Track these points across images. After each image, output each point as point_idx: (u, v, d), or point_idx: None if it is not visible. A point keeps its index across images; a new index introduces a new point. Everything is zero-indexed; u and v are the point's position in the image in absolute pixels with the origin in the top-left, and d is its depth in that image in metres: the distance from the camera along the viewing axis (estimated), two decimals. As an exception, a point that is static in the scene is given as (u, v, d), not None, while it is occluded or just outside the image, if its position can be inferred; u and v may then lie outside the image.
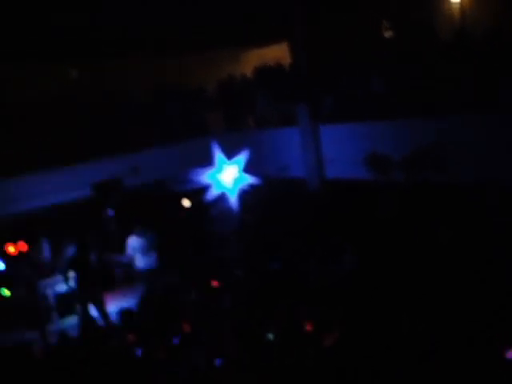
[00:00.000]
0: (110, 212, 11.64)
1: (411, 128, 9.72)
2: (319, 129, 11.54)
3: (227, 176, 11.83)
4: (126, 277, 11.44)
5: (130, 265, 11.25)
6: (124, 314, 8.13)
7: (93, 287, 9.38)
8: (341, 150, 11.08)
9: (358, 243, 9.17)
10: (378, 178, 9.99)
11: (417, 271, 7.58)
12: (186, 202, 12.56)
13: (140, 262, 10.21)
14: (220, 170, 11.84)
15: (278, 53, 14.27)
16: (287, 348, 6.22)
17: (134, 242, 10.12)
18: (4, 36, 9.51)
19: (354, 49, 11.29)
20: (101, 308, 9.37)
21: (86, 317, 8.91)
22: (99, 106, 12.65)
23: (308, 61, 11.75)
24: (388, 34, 12.53)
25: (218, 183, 11.80)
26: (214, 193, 11.74)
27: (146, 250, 10.11)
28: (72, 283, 9.52)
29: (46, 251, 10.29)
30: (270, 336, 6.61)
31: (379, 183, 9.96)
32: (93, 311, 9.35)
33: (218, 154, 11.70)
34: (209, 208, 12.24)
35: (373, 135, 10.28)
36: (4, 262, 9.99)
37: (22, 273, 10.05)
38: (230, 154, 11.80)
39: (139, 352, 6.74)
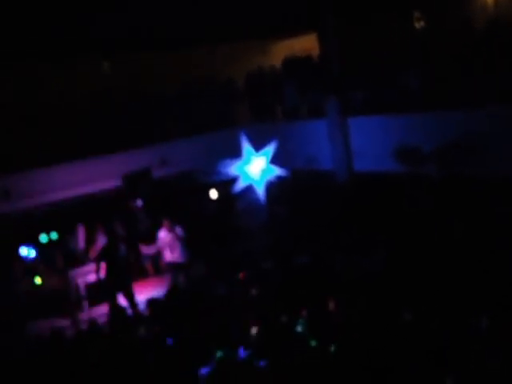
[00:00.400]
0: (139, 203, 11.77)
1: (442, 120, 9.56)
2: (348, 121, 11.44)
3: (255, 168, 11.84)
4: (154, 268, 11.58)
5: (158, 256, 11.41)
6: (152, 304, 8.24)
7: (122, 277, 9.52)
8: (370, 143, 10.96)
9: (387, 237, 9.10)
10: (408, 171, 9.87)
11: (446, 266, 7.48)
12: (214, 194, 12.62)
13: (168, 254, 10.30)
14: (248, 161, 11.86)
15: (306, 44, 14.17)
16: (313, 339, 6.21)
17: (163, 234, 10.22)
18: (38, 32, 9.65)
19: (384, 40, 11.14)
20: (130, 297, 9.51)
21: (115, 306, 9.05)
22: (130, 99, 12.78)
23: (337, 52, 11.64)
24: (419, 24, 12.32)
25: (246, 175, 11.83)
26: (241, 184, 11.78)
27: (174, 243, 10.19)
28: (103, 273, 9.68)
29: (80, 240, 10.47)
30: (299, 328, 6.62)
31: (409, 176, 9.84)
32: (122, 300, 9.50)
33: (246, 146, 11.72)
34: (236, 200, 12.28)
35: (402, 127, 10.14)
36: (37, 250, 10.21)
37: (54, 261, 10.28)
38: (257, 145, 11.80)
39: (170, 341, 6.82)
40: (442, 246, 8.19)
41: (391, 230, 9.37)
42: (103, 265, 9.43)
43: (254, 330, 6.62)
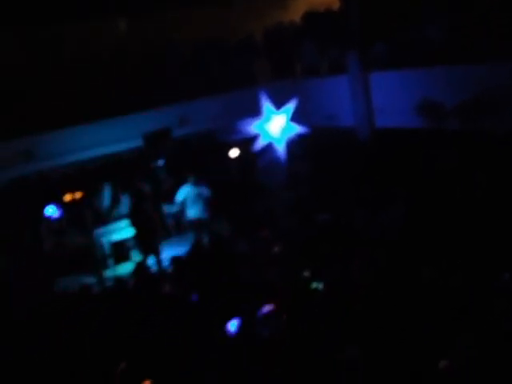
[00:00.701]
0: (160, 162, 11.83)
1: (465, 75, 9.34)
2: (369, 76, 11.23)
3: (275, 126, 11.78)
4: (176, 226, 11.72)
5: (180, 214, 11.53)
6: (175, 261, 8.37)
7: (149, 235, 9.69)
8: (391, 99, 10.80)
9: (408, 192, 9.03)
10: (430, 127, 9.72)
11: (468, 222, 7.43)
12: (234, 153, 12.62)
13: (191, 211, 10.41)
14: (268, 119, 11.79)
15: (326, -2, 13.82)
16: (336, 298, 6.26)
17: (185, 191, 10.30)
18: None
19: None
20: (156, 255, 9.70)
21: (142, 263, 9.22)
22: (148, 58, 12.70)
23: (358, 4, 11.34)
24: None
25: (266, 133, 11.78)
26: (261, 143, 11.74)
27: (196, 200, 10.28)
28: (131, 231, 9.88)
29: (106, 199, 10.61)
30: (319, 286, 6.65)
31: (431, 132, 9.69)
32: (148, 258, 9.70)
33: (266, 104, 11.63)
34: (257, 158, 12.27)
35: (425, 83, 9.94)
36: (62, 210, 10.39)
37: (80, 220, 10.47)
38: (277, 103, 11.70)
39: (195, 297, 6.94)
40: (464, 201, 8.11)
41: (412, 186, 9.30)
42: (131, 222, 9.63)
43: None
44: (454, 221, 7.64)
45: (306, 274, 7.04)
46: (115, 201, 10.55)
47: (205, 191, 10.38)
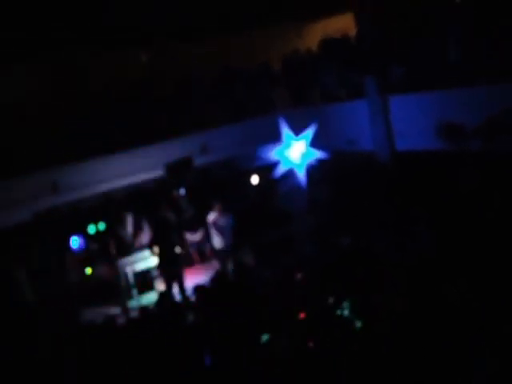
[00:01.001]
0: (182, 191, 11.95)
1: (486, 95, 9.28)
2: (388, 100, 11.25)
3: (295, 152, 11.83)
4: (199, 255, 11.77)
5: (203, 243, 11.58)
6: (198, 290, 8.38)
7: (174, 264, 9.74)
8: (411, 121, 10.77)
9: (432, 216, 8.94)
10: (452, 148, 9.65)
11: (491, 245, 7.31)
12: (255, 180, 12.68)
13: (216, 240, 10.44)
14: (287, 145, 11.85)
15: (342, 24, 13.98)
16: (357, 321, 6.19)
17: (214, 218, 10.37)
18: (77, 24, 9.87)
19: (424, 15, 10.85)
20: (180, 284, 9.72)
21: (166, 293, 9.25)
22: (169, 89, 12.94)
23: (374, 30, 11.43)
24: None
25: (286, 159, 11.83)
26: (282, 169, 11.79)
27: (222, 229, 10.33)
28: (155, 260, 9.93)
29: (129, 228, 10.73)
30: (345, 312, 6.61)
31: (453, 153, 9.62)
32: (172, 287, 9.72)
33: (285, 130, 11.70)
34: (277, 184, 12.30)
35: (444, 104, 9.91)
36: (86, 241, 10.53)
37: (104, 251, 10.58)
38: (297, 129, 11.77)
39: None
40: (487, 223, 7.99)
41: (434, 209, 9.20)
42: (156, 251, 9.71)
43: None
44: (477, 242, 7.53)
45: (330, 300, 7.00)
46: (136, 231, 10.65)
47: (229, 220, 10.43)
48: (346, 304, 6.61)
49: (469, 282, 6.26)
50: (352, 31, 12.81)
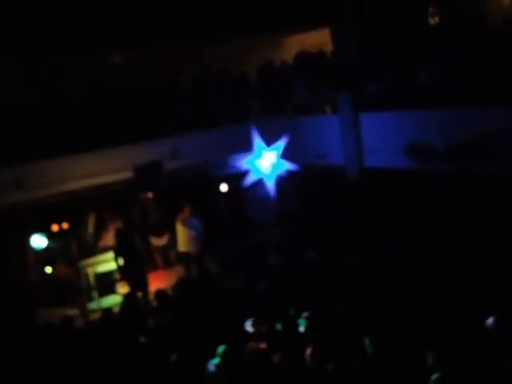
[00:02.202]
0: (150, 194, 11.83)
1: (455, 118, 9.51)
2: (360, 117, 11.41)
3: (265, 162, 11.87)
4: (164, 259, 11.65)
5: (168, 247, 11.47)
6: (160, 295, 8.29)
7: (138, 268, 9.62)
8: (382, 139, 10.94)
9: (397, 233, 9.08)
10: (420, 168, 9.83)
11: (457, 264, 7.47)
12: (224, 187, 12.66)
13: (183, 244, 10.37)
14: (258, 155, 11.88)
15: (319, 39, 14.13)
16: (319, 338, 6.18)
17: (181, 222, 10.31)
18: (50, 24, 9.73)
19: (398, 36, 11.08)
20: (144, 288, 9.59)
21: (130, 295, 9.10)
22: (141, 92, 12.83)
23: (350, 47, 11.59)
24: (434, 20, 12.23)
25: (256, 169, 11.86)
26: (251, 178, 11.81)
27: (191, 233, 10.28)
28: (119, 263, 9.78)
29: (91, 229, 10.55)
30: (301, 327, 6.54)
31: (421, 173, 9.81)
32: (135, 291, 9.59)
33: (257, 140, 11.74)
34: (246, 194, 12.31)
35: (415, 124, 10.10)
36: (48, 240, 10.30)
37: (65, 251, 10.37)
38: (268, 139, 11.82)
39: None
40: (453, 242, 8.17)
41: (401, 227, 9.36)
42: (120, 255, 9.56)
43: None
44: (442, 264, 7.69)
45: (292, 311, 7.00)
46: (100, 232, 10.49)
47: (196, 225, 10.37)
48: (302, 321, 6.54)
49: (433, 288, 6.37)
50: (328, 47, 12.96)
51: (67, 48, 11.48)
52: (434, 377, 4.83)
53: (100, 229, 10.56)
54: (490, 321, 5.55)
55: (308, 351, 5.70)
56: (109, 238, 10.45)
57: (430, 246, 8.35)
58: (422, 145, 9.62)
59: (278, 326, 6.56)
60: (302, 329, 6.44)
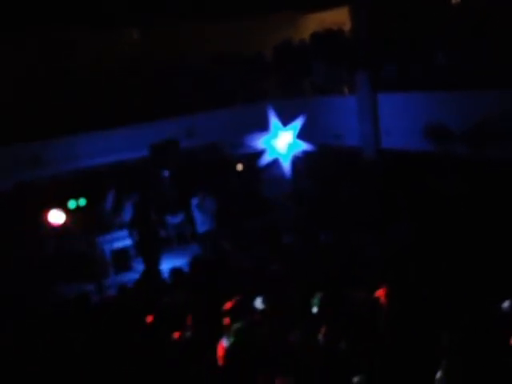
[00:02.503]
0: (166, 173, 11.88)
1: (474, 100, 9.37)
2: (378, 97, 11.29)
3: (281, 142, 11.83)
4: (179, 237, 11.75)
5: (183, 226, 11.56)
6: (175, 273, 8.37)
7: (151, 244, 9.72)
8: (398, 120, 10.83)
9: (412, 215, 9.03)
10: (436, 150, 9.73)
11: (473, 248, 7.42)
12: (240, 166, 12.67)
13: (198, 224, 10.44)
14: (275, 135, 11.85)
15: (337, 17, 13.90)
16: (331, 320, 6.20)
17: (195, 204, 10.38)
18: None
19: (418, 16, 10.86)
20: (156, 265, 9.70)
21: (147, 272, 9.20)
22: (159, 69, 12.80)
23: (369, 26, 11.42)
24: (455, 0, 11.95)
25: (272, 149, 11.83)
26: (267, 158, 11.79)
27: (202, 213, 10.33)
28: (133, 239, 9.89)
29: (108, 206, 10.64)
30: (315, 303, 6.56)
31: (437, 155, 9.72)
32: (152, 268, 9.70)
33: (274, 120, 11.69)
34: (261, 173, 12.31)
35: (434, 106, 9.98)
36: (66, 215, 10.42)
37: (82, 227, 10.49)
38: (285, 119, 11.77)
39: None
40: (468, 226, 8.10)
41: (415, 207, 9.31)
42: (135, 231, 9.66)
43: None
44: (458, 248, 7.63)
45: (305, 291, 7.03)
46: (117, 209, 10.58)
47: (211, 204, 10.42)
48: (315, 300, 6.56)
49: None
50: (347, 25, 12.76)
51: (84, 23, 11.47)
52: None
53: (117, 205, 10.65)
54: (506, 304, 5.54)
55: (321, 331, 5.75)
56: (126, 215, 10.55)
57: (442, 229, 8.28)
58: (439, 127, 9.50)
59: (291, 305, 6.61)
60: (314, 309, 6.49)
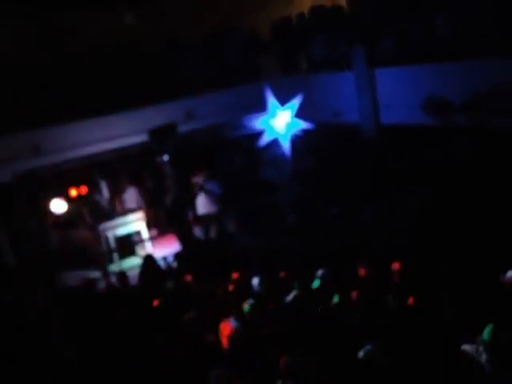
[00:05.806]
0: (165, 157, 11.83)
1: (472, 70, 9.25)
2: (375, 72, 11.17)
3: (280, 121, 11.77)
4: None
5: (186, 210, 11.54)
6: (180, 257, 8.42)
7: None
8: (398, 94, 10.73)
9: (417, 189, 9.00)
10: (437, 123, 9.66)
11: (480, 218, 7.38)
12: (239, 148, 12.63)
13: (200, 206, 10.45)
14: (273, 115, 11.78)
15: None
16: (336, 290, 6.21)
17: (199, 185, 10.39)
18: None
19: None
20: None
21: (150, 256, 9.23)
22: (154, 52, 12.70)
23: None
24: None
25: (271, 128, 11.78)
26: (267, 138, 11.75)
27: (205, 195, 10.34)
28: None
29: (104, 194, 10.64)
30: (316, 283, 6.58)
31: (438, 128, 9.64)
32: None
33: (271, 100, 11.62)
34: (262, 153, 12.27)
35: (432, 78, 9.87)
36: (68, 203, 10.45)
37: (83, 215, 10.51)
38: (283, 98, 11.68)
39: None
40: (474, 197, 8.07)
41: (420, 183, 9.28)
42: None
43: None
44: (466, 218, 7.61)
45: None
46: (117, 196, 10.58)
47: (214, 187, 10.41)
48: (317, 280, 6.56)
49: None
50: (343, 1, 12.62)
51: (80, 4, 11.34)
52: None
53: (115, 192, 10.64)
54: (510, 273, 5.55)
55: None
56: (129, 201, 10.55)
57: (449, 200, 8.26)
58: (439, 99, 9.41)
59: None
60: (316, 284, 6.52)
